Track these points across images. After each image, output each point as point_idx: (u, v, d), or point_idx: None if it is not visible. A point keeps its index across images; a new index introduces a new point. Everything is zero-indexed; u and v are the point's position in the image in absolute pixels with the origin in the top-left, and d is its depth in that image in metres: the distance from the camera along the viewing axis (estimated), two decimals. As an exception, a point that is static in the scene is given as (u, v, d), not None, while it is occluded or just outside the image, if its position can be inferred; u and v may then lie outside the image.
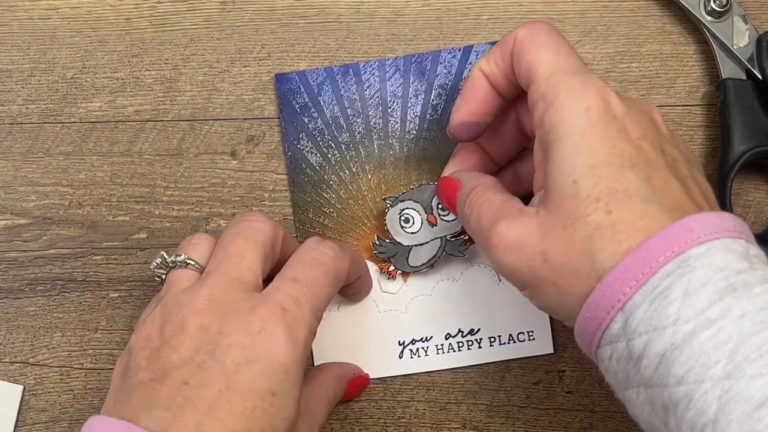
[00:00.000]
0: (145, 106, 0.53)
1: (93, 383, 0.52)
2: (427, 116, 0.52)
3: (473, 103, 0.46)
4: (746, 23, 0.51)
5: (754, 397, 0.32)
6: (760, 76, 0.51)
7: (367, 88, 0.53)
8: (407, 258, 0.51)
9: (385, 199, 0.51)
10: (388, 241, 0.51)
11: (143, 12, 0.54)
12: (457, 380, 0.51)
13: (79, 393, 0.51)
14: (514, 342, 0.51)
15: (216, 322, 0.40)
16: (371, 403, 0.51)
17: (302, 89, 0.53)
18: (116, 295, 0.52)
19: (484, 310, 0.51)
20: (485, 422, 0.51)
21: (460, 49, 0.53)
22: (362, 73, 0.53)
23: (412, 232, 0.51)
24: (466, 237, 0.50)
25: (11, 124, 0.53)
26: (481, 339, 0.51)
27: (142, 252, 0.52)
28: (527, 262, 0.40)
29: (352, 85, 0.53)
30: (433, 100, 0.52)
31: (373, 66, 0.53)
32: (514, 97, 0.46)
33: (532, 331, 0.51)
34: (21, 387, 0.51)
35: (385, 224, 0.51)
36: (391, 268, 0.51)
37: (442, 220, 0.50)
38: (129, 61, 0.53)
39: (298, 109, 0.52)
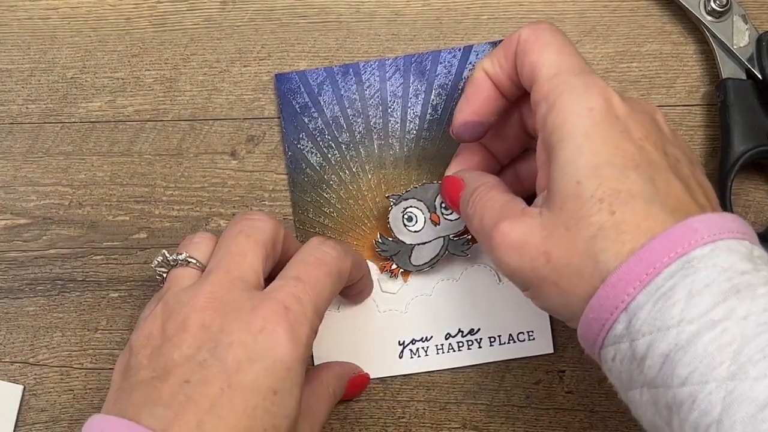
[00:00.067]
0: (145, 106, 0.53)
1: (93, 383, 0.52)
2: (427, 116, 0.52)
3: (476, 103, 0.46)
4: (746, 23, 0.51)
5: (759, 398, 0.32)
6: (760, 76, 0.51)
7: (367, 88, 0.53)
8: (410, 257, 0.51)
9: (388, 197, 0.51)
10: (390, 239, 0.51)
11: (143, 12, 0.54)
12: (457, 380, 0.51)
13: (79, 393, 0.51)
14: (514, 342, 0.51)
15: (217, 320, 0.40)
16: (371, 403, 0.51)
17: (302, 89, 0.53)
18: (116, 295, 0.52)
19: (484, 310, 0.51)
20: (485, 422, 0.51)
21: (460, 49, 0.53)
22: (362, 73, 0.53)
23: (415, 231, 0.51)
24: (469, 236, 0.50)
25: (11, 124, 0.53)
26: (481, 339, 0.51)
27: (142, 252, 0.52)
28: (530, 262, 0.40)
29: (352, 85, 0.53)
30: (433, 99, 0.52)
31: (373, 66, 0.53)
32: (518, 96, 0.46)
33: (532, 331, 0.51)
34: (21, 387, 0.51)
35: (388, 222, 0.51)
36: (394, 266, 0.51)
37: (445, 219, 0.50)
38: (129, 61, 0.53)
39: (298, 109, 0.52)
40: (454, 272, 0.52)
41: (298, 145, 0.52)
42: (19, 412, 0.51)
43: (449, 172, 0.49)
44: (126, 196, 0.53)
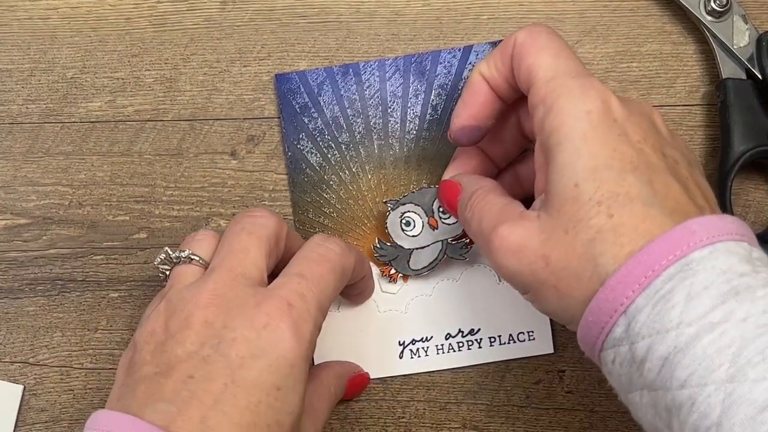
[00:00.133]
0: (145, 106, 0.53)
1: (93, 383, 0.52)
2: (427, 116, 0.52)
3: (474, 107, 0.46)
4: (746, 23, 0.51)
5: (758, 400, 0.32)
6: (760, 76, 0.51)
7: (367, 88, 0.53)
8: (408, 261, 0.51)
9: (386, 202, 0.51)
10: (389, 244, 0.51)
11: (143, 12, 0.54)
12: (457, 380, 0.51)
13: (79, 393, 0.51)
14: (514, 342, 0.51)
15: (221, 316, 0.40)
16: (371, 403, 0.51)
17: (302, 89, 0.53)
18: (116, 295, 0.52)
19: (484, 310, 0.51)
20: (485, 422, 0.51)
21: (460, 49, 0.53)
22: (362, 73, 0.53)
23: (413, 236, 0.51)
24: (467, 240, 0.50)
25: (11, 124, 0.53)
26: (481, 339, 0.51)
27: (142, 252, 0.52)
28: (529, 265, 0.40)
29: (352, 85, 0.53)
30: (432, 100, 0.52)
31: (373, 66, 0.53)
32: (515, 100, 0.46)
33: (532, 331, 0.51)
34: (21, 387, 0.51)
35: (386, 227, 0.51)
36: (392, 271, 0.51)
37: (443, 223, 0.50)
38: (129, 61, 0.53)
39: (298, 109, 0.52)
40: (454, 272, 0.52)
41: (298, 145, 0.52)
42: (19, 412, 0.51)
43: (446, 176, 0.49)
44: (126, 196, 0.53)
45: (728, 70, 0.51)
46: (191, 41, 0.54)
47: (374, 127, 0.52)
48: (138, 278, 0.52)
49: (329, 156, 0.52)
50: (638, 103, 0.42)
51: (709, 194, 0.41)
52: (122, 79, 0.53)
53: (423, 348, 0.51)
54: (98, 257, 0.52)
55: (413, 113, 0.52)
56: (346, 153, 0.52)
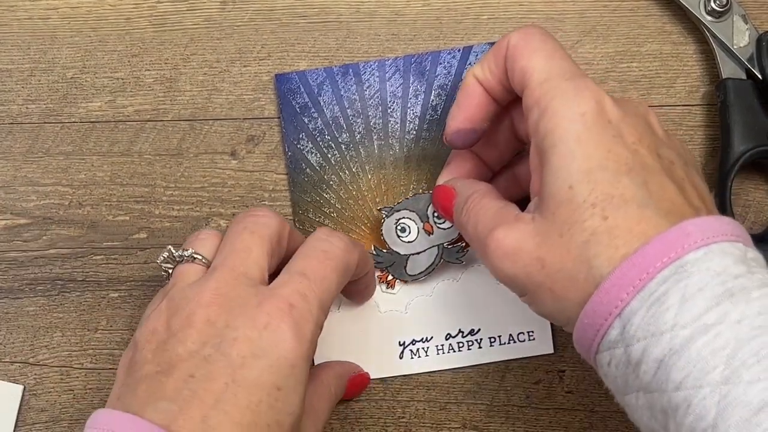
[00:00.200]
0: (145, 106, 0.53)
1: (93, 383, 0.52)
2: (427, 116, 0.52)
3: (468, 110, 0.46)
4: (746, 23, 0.51)
5: (752, 402, 0.32)
6: (760, 76, 0.51)
7: (367, 88, 0.53)
8: (405, 267, 0.51)
9: (380, 209, 0.51)
10: (385, 251, 0.51)
11: (143, 12, 0.54)
12: (457, 380, 0.51)
13: (79, 393, 0.51)
14: (515, 342, 0.51)
15: (222, 316, 0.40)
16: (371, 403, 0.51)
17: (302, 89, 0.53)
18: (116, 295, 0.52)
19: (484, 311, 0.51)
20: (485, 422, 0.51)
21: (459, 50, 0.53)
22: (362, 73, 0.53)
23: (408, 241, 0.51)
24: (463, 243, 0.51)
25: (11, 124, 0.53)
26: (481, 339, 0.51)
27: (142, 252, 0.52)
28: (524, 268, 0.40)
29: (352, 86, 0.53)
30: (432, 100, 0.52)
31: (372, 66, 0.53)
32: (509, 102, 0.46)
33: (532, 331, 0.51)
34: (21, 387, 0.51)
35: (382, 234, 0.51)
36: (390, 277, 0.51)
37: (439, 228, 0.51)
38: (129, 61, 0.53)
39: (298, 109, 0.52)
40: (455, 273, 0.52)
41: (298, 145, 0.52)
42: (19, 412, 0.51)
43: (440, 181, 0.49)
44: (126, 196, 0.53)
45: (728, 70, 0.51)
46: (191, 41, 0.54)
47: (374, 128, 0.52)
48: (138, 278, 0.52)
49: (329, 156, 0.52)
50: (633, 104, 0.42)
51: (705, 194, 0.41)
52: (122, 79, 0.53)
53: (423, 348, 0.51)
54: (98, 257, 0.52)
55: (413, 113, 0.52)
56: (346, 153, 0.52)
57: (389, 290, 0.51)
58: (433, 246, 0.51)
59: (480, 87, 0.45)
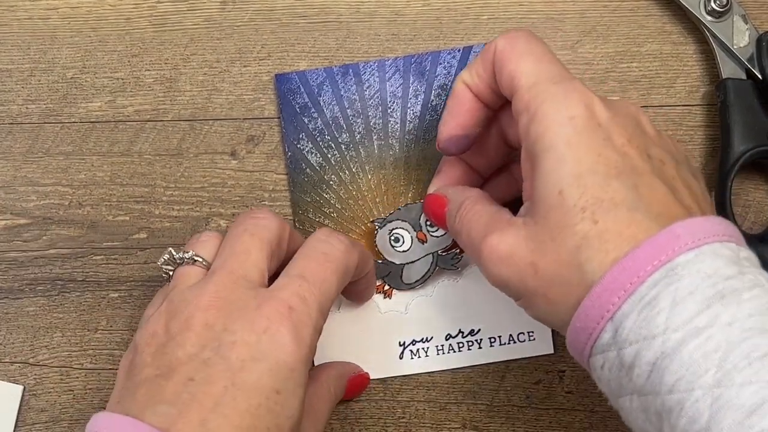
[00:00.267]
0: (145, 106, 0.53)
1: (93, 383, 0.52)
2: (427, 117, 0.52)
3: (460, 116, 0.46)
4: (746, 23, 0.51)
5: (745, 405, 0.32)
6: (760, 76, 0.51)
7: (367, 88, 0.53)
8: (401, 276, 0.51)
9: (372, 221, 0.51)
10: (380, 261, 0.51)
11: (143, 12, 0.54)
12: (457, 380, 0.51)
13: (79, 393, 0.51)
14: (515, 342, 0.51)
15: (221, 319, 0.40)
16: (371, 403, 0.51)
17: (302, 89, 0.53)
18: (116, 295, 0.52)
19: (484, 311, 0.51)
20: (485, 422, 0.51)
21: (459, 50, 0.53)
22: (362, 73, 0.53)
23: (403, 251, 0.51)
24: (458, 250, 0.51)
25: (11, 124, 0.53)
26: (481, 339, 0.51)
27: (142, 252, 0.52)
28: (518, 273, 0.40)
29: (352, 86, 0.53)
30: (432, 100, 0.52)
31: (372, 66, 0.53)
32: (499, 106, 0.46)
33: (532, 332, 0.51)
34: (21, 387, 0.51)
35: (376, 245, 0.51)
36: (386, 287, 0.51)
37: (432, 236, 0.51)
38: (129, 61, 0.53)
39: (298, 109, 0.52)
40: (454, 273, 0.52)
41: (298, 145, 0.52)
42: (19, 412, 0.51)
43: (431, 189, 0.49)
44: (126, 196, 0.53)
45: (728, 70, 0.51)
46: (191, 41, 0.54)
47: (374, 128, 0.52)
48: (138, 278, 0.52)
49: (329, 156, 0.52)
50: (623, 105, 0.42)
51: (698, 193, 0.41)
52: (122, 79, 0.53)
53: (423, 348, 0.51)
54: (98, 257, 0.52)
55: (413, 114, 0.52)
56: (346, 153, 0.52)
57: (387, 299, 0.52)
58: (428, 254, 0.51)
59: (470, 92, 0.45)
